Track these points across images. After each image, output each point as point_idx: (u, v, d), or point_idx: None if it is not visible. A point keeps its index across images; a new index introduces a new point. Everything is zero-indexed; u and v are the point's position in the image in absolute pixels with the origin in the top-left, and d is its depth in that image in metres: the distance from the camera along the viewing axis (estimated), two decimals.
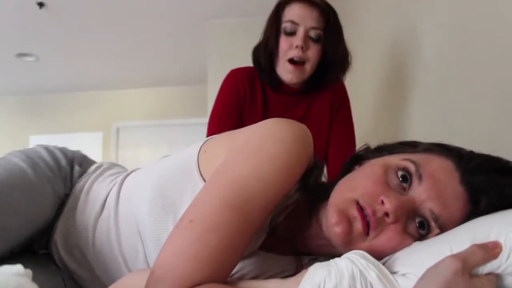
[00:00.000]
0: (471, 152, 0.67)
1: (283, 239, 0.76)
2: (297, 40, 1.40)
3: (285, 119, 0.70)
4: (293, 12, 1.42)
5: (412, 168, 0.64)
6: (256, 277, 0.71)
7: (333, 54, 1.45)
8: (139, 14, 3.55)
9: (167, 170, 0.76)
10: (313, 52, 1.42)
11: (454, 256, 0.52)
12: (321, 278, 0.54)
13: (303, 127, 0.69)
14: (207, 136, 1.48)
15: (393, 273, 0.56)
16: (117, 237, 0.77)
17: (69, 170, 0.88)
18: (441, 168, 0.63)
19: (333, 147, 1.55)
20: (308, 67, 1.44)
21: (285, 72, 1.44)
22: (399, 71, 1.72)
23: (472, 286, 0.50)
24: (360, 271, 0.54)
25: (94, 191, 0.84)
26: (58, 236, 0.81)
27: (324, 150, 1.56)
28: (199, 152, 0.74)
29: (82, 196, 0.84)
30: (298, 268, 0.74)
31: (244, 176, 0.61)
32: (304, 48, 1.40)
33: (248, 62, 1.60)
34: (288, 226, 0.74)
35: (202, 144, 0.76)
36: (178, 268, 0.54)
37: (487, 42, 1.06)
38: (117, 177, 0.87)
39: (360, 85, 2.07)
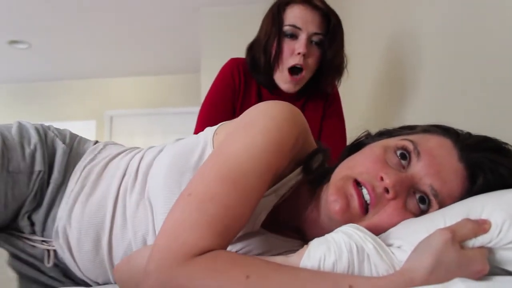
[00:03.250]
0: (468, 132, 0.69)
1: (286, 222, 0.78)
2: (300, 46, 1.37)
3: (277, 100, 0.73)
4: (294, 15, 1.38)
5: (410, 146, 0.65)
6: (260, 255, 0.73)
7: (330, 60, 1.43)
8: (132, 2, 3.53)
9: (184, 151, 0.79)
10: (313, 59, 1.41)
11: (444, 228, 0.54)
12: (320, 255, 0.56)
13: (294, 107, 0.73)
14: (197, 122, 1.51)
15: (388, 245, 0.58)
16: (132, 215, 0.79)
17: (43, 147, 0.86)
18: (439, 146, 0.65)
19: (324, 139, 1.55)
20: (307, 75, 1.43)
21: (283, 81, 1.43)
22: (397, 69, 1.73)
23: (462, 256, 0.52)
24: (357, 244, 0.56)
25: (110, 170, 0.85)
26: (66, 217, 0.81)
27: None
28: (213, 135, 0.79)
29: (95, 176, 0.84)
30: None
31: (238, 150, 0.64)
32: (306, 55, 1.38)
33: (240, 49, 1.58)
34: (290, 209, 0.76)
35: (216, 128, 0.80)
36: (181, 236, 0.56)
37: (485, 42, 1.06)
38: (132, 157, 0.87)
39: (357, 85, 2.07)
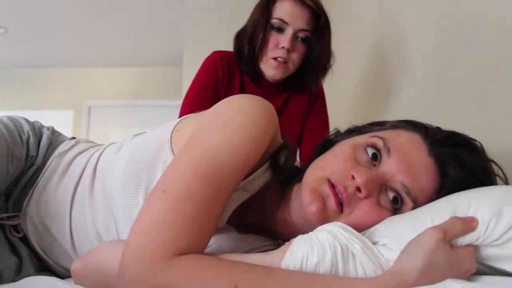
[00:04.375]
0: (437, 127, 0.70)
1: (254, 222, 0.77)
2: (284, 41, 1.37)
3: (251, 95, 0.72)
4: (284, 10, 1.38)
5: (380, 143, 0.65)
6: (231, 251, 0.71)
7: (316, 59, 1.44)
8: None
9: (140, 148, 0.77)
10: (297, 54, 1.41)
11: (435, 227, 0.54)
12: (303, 254, 0.55)
13: (268, 102, 0.72)
14: (180, 114, 1.49)
15: (373, 243, 0.57)
16: (91, 213, 0.79)
17: (34, 134, 0.89)
18: (409, 142, 0.65)
19: (307, 134, 1.56)
20: (291, 67, 1.44)
21: (269, 68, 1.43)
22: (383, 67, 1.73)
23: (453, 255, 0.52)
24: (342, 245, 0.55)
25: (74, 166, 0.86)
26: (33, 208, 0.83)
27: (297, 141, 1.58)
28: (172, 131, 0.76)
29: (61, 170, 0.85)
30: (275, 245, 0.75)
31: (215, 146, 0.62)
32: (290, 50, 1.38)
33: (224, 44, 1.57)
34: (258, 209, 0.75)
35: (176, 124, 0.78)
36: (158, 237, 0.53)
37: (473, 41, 1.07)
38: (93, 153, 0.87)
39: (342, 83, 2.07)
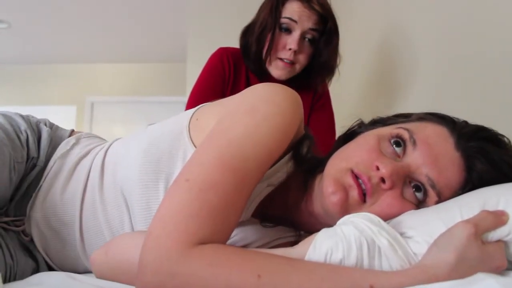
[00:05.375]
0: (464, 121, 0.68)
1: (277, 213, 0.75)
2: (292, 42, 1.39)
3: (276, 83, 0.70)
4: (292, 9, 1.39)
5: (405, 134, 0.64)
6: (254, 242, 0.71)
7: (325, 62, 1.45)
8: None
9: (156, 138, 0.75)
10: (304, 56, 1.43)
11: (466, 221, 0.52)
12: (327, 248, 0.53)
13: (295, 92, 0.70)
14: (187, 108, 1.48)
15: (399, 234, 0.56)
16: (103, 210, 0.77)
17: (33, 132, 0.85)
18: (435, 134, 0.64)
19: (312, 131, 1.56)
20: (298, 67, 1.45)
21: (275, 69, 1.44)
22: (388, 66, 1.72)
23: (484, 252, 0.51)
24: (368, 240, 0.53)
25: (80, 169, 0.83)
26: (37, 212, 0.80)
27: None
28: (190, 120, 0.74)
29: (66, 174, 0.82)
30: (297, 236, 0.74)
31: (240, 136, 0.60)
32: (297, 51, 1.40)
33: (228, 40, 1.57)
34: (280, 200, 0.74)
35: (194, 112, 0.76)
36: (181, 224, 0.52)
37: (478, 39, 1.06)
38: (100, 149, 0.85)
39: (348, 82, 2.06)
